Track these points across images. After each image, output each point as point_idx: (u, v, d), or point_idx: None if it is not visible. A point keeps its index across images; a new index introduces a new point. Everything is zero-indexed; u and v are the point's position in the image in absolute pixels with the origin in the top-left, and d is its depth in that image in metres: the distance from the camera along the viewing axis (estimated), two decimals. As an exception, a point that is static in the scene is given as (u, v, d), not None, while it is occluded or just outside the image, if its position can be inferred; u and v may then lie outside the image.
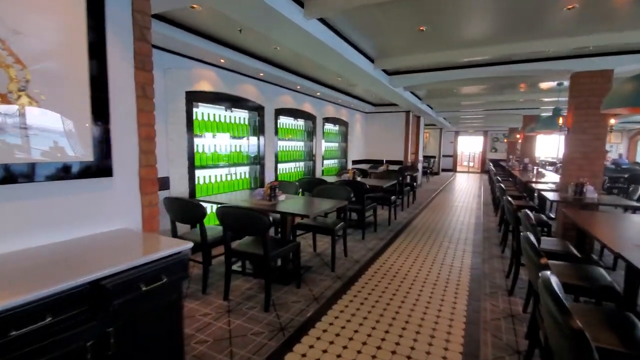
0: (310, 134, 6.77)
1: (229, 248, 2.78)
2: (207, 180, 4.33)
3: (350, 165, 8.67)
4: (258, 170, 5.21)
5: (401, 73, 5.30)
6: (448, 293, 3.10)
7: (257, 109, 5.07)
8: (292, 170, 6.41)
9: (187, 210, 2.93)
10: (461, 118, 13.27)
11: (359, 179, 5.57)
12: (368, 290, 3.14)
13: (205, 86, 4.07)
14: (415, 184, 8.12)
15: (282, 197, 3.47)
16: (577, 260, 2.74)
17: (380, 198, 5.84)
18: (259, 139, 5.15)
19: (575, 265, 2.50)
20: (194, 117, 4.07)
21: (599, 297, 2.19)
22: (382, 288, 3.19)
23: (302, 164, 6.76)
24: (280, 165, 5.94)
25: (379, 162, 9.46)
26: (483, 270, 3.68)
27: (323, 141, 7.16)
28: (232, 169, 4.83)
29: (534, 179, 6.55)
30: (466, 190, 10.73)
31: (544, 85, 6.60)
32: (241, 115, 4.96)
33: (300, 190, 5.27)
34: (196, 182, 4.09)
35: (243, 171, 5.09)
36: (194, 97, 3.90)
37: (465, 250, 4.41)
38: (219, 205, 2.70)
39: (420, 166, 11.02)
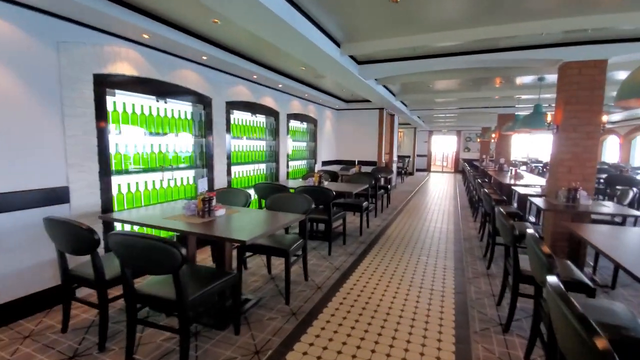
0: (273, 131, 6.00)
1: (130, 289, 1.97)
2: (132, 189, 3.46)
3: (320, 167, 7.96)
4: (206, 174, 4.37)
5: (372, 62, 4.64)
6: (430, 332, 2.44)
7: (202, 101, 4.23)
8: (252, 174, 5.61)
9: (73, 236, 2.08)
10: (435, 117, 12.92)
11: (326, 183, 4.87)
12: (330, 331, 2.43)
13: (124, 69, 3.20)
14: (389, 186, 7.54)
15: (220, 211, 2.69)
16: (590, 291, 2.15)
17: (351, 204, 5.17)
18: (205, 137, 4.32)
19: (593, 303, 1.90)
20: (111, 109, 3.20)
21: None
22: (348, 326, 2.49)
23: (263, 165, 5.97)
24: (235, 168, 5.13)
25: (351, 163, 8.81)
26: (469, 295, 3.07)
27: (289, 140, 6.40)
28: (170, 174, 3.97)
29: (513, 181, 6.12)
30: (442, 191, 10.32)
31: (522, 80, 6.18)
32: (181, 108, 4.11)
33: (257, 197, 4.50)
34: (115, 192, 3.22)
35: (187, 176, 4.25)
36: (107, 82, 3.02)
37: (446, 266, 3.80)
38: (111, 233, 1.88)
39: (394, 167, 10.50)
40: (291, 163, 6.79)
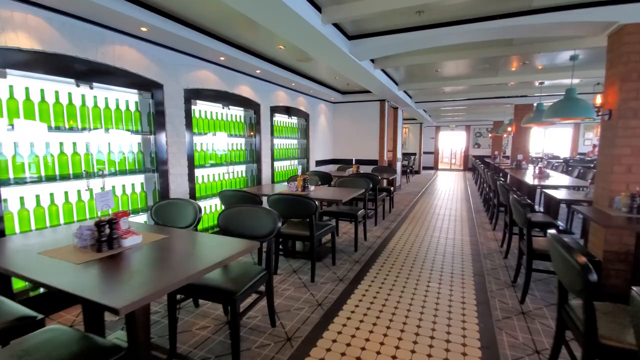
0: (253, 127, 5.09)
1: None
2: (28, 204, 2.57)
3: (313, 167, 7.04)
4: (157, 179, 3.48)
5: (365, 36, 3.70)
6: None
7: (147, 88, 3.34)
8: (228, 177, 4.72)
9: None
10: (442, 110, 11.91)
11: (312, 188, 3.95)
12: None
13: (20, 41, 2.32)
14: (392, 188, 6.59)
15: (132, 239, 1.78)
16: None
17: (344, 213, 4.25)
18: (154, 133, 3.43)
19: None
20: (-3, 94, 2.32)
21: None
22: None
23: (242, 167, 5.07)
24: (203, 172, 4.24)
25: (349, 163, 7.88)
26: (501, 352, 2.12)
27: (271, 137, 5.48)
28: (101, 181, 3.09)
29: (537, 181, 5.14)
30: (451, 191, 9.33)
31: (546, 62, 5.19)
32: (114, 95, 3.23)
33: (221, 205, 3.60)
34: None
35: (129, 183, 3.36)
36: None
37: (464, 300, 2.85)
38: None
39: (399, 165, 9.54)
40: (278, 164, 5.88)
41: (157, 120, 3.43)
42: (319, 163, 7.38)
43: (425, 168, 16.97)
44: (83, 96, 2.90)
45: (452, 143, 19.82)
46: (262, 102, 5.17)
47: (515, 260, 3.78)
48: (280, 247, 3.85)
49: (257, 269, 2.28)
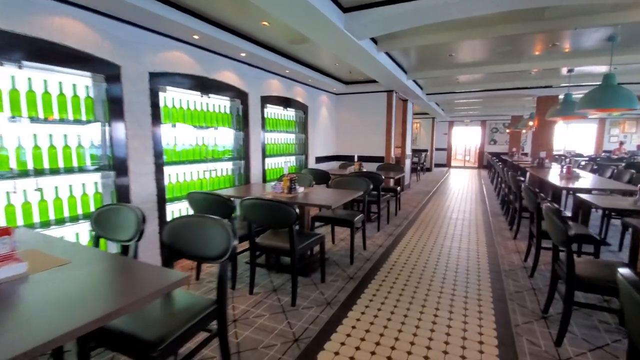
0: (241, 119, 4.51)
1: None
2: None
3: (312, 164, 6.44)
4: (114, 179, 2.94)
5: (363, 7, 3.06)
6: None
7: (95, 69, 2.79)
8: (210, 175, 4.17)
9: None
10: (456, 103, 11.12)
11: (300, 190, 3.36)
12: None
13: None
14: (399, 188, 5.94)
15: None
16: None
17: (340, 219, 3.65)
18: (109, 124, 2.89)
19: None
20: None
21: None
22: None
23: (228, 164, 4.51)
24: (174, 169, 3.69)
25: (353, 160, 7.25)
26: None
27: (262, 131, 4.89)
28: (50, 179, 2.56)
29: (565, 183, 4.44)
30: (465, 191, 8.61)
31: (578, 44, 4.46)
32: (70, 80, 2.70)
33: (192, 210, 3.04)
34: None
35: (89, 182, 2.83)
36: None
37: (483, 339, 2.22)
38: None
39: (408, 163, 8.85)
40: (271, 160, 5.30)
41: (112, 109, 2.89)
42: (320, 160, 6.77)
43: (437, 165, 16.17)
44: (13, 77, 2.37)
45: (466, 139, 18.92)
46: (251, 91, 4.59)
47: (543, 281, 3.12)
48: (262, 258, 3.28)
49: (202, 303, 1.71)
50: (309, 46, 4.28)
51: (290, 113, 5.89)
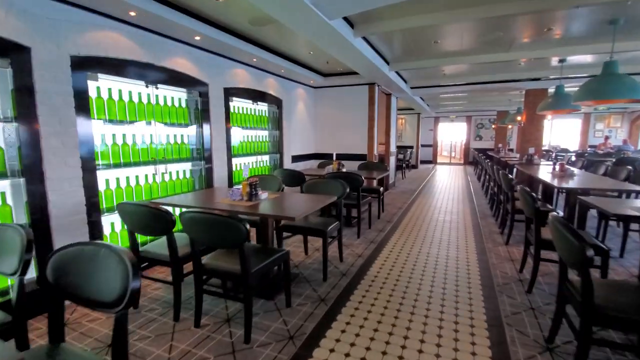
0: (200, 114, 3.95)
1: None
2: None
3: (288, 164, 5.93)
4: (24, 187, 2.37)
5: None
6: None
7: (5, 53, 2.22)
8: (162, 179, 3.61)
9: None
10: (442, 98, 10.77)
11: (264, 196, 2.84)
12: None
13: None
14: (382, 188, 5.49)
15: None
16: None
17: (311, 228, 3.16)
18: (17, 121, 2.31)
19: None
20: None
21: None
22: None
23: (187, 165, 3.95)
24: (114, 173, 3.13)
25: (331, 157, 6.77)
26: None
27: (227, 127, 4.34)
28: None
29: (558, 182, 4.07)
30: (452, 189, 8.24)
31: (572, 30, 4.08)
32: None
33: (127, 230, 2.50)
34: None
35: (-17, 192, 2.25)
36: None
37: (478, 385, 1.77)
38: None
39: (392, 160, 8.43)
40: (239, 160, 4.77)
41: (20, 101, 2.31)
42: (297, 159, 6.26)
43: (423, 162, 15.87)
44: None
45: (452, 135, 18.70)
46: (212, 82, 4.03)
47: (543, 297, 2.71)
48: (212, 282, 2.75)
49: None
50: (277, 30, 3.76)
51: (262, 108, 5.36)
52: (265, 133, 5.50)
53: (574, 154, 11.24)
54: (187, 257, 2.37)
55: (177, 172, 3.79)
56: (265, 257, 2.33)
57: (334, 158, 5.34)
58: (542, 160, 7.34)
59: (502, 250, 3.85)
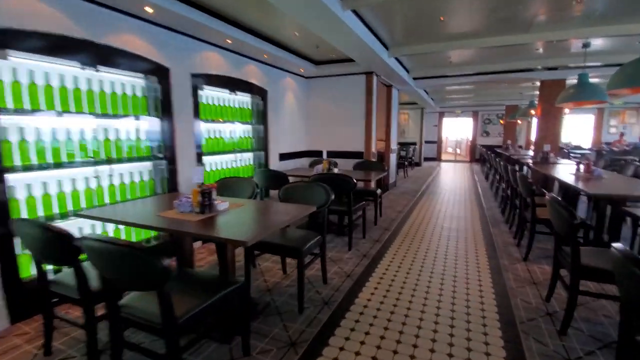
0: (159, 104, 3.32)
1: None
2: None
3: (275, 163, 5.29)
4: None
5: None
6: None
7: None
8: (111, 183, 3.00)
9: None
10: (447, 91, 10.07)
11: (223, 207, 2.21)
12: None
13: None
14: (379, 191, 4.84)
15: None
16: None
17: (283, 247, 2.52)
18: None
19: None
20: None
21: None
22: None
23: (146, 165, 3.33)
24: (45, 175, 2.51)
25: (328, 155, 6.13)
26: None
27: (195, 120, 3.70)
28: None
29: (585, 185, 3.41)
30: (458, 190, 7.56)
31: (603, 5, 3.39)
32: None
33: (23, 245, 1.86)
34: None
35: None
36: None
37: None
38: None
39: (393, 158, 7.77)
40: (214, 159, 4.15)
41: None
42: (286, 157, 5.62)
43: (427, 159, 15.17)
44: None
45: (457, 131, 17.97)
46: (175, 66, 3.39)
47: (582, 342, 2.06)
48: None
49: None
50: (254, 4, 3.11)
51: (244, 99, 4.71)
52: (248, 128, 4.86)
53: (590, 151, 10.50)
54: (98, 295, 1.75)
55: (132, 174, 3.16)
56: (210, 293, 1.70)
57: (324, 156, 4.68)
58: (558, 158, 6.65)
59: (520, 269, 3.20)
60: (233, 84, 4.28)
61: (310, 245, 2.53)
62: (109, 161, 2.92)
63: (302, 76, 6.05)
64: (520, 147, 13.08)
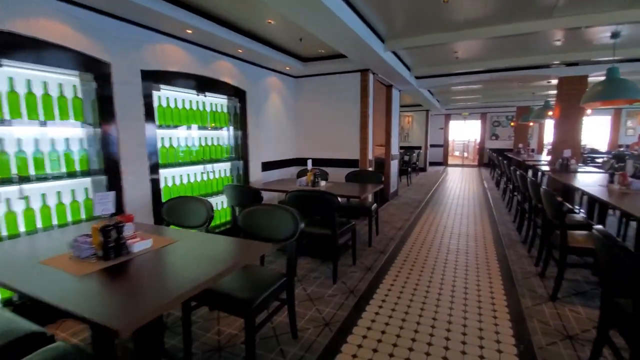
0: (97, 108, 2.70)
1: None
2: None
3: (256, 173, 4.65)
4: None
5: None
6: None
7: None
8: (28, 206, 2.39)
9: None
10: (453, 92, 9.38)
11: (143, 247, 1.57)
12: None
13: None
14: (374, 207, 4.18)
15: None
16: None
17: (227, 300, 1.86)
18: None
19: None
20: None
21: None
22: None
23: (84, 182, 2.72)
24: None
25: (318, 164, 5.48)
26: None
27: (146, 124, 3.08)
28: None
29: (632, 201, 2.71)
30: (466, 200, 6.84)
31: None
32: None
33: None
34: None
35: None
36: None
37: None
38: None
39: (394, 165, 7.09)
40: (178, 171, 3.53)
41: None
42: (270, 166, 4.99)
43: (432, 164, 14.45)
44: None
45: (464, 134, 17.21)
46: (116, 61, 2.78)
47: None
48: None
49: None
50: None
51: (218, 101, 4.09)
52: (223, 134, 4.24)
53: (609, 155, 9.68)
54: None
55: (59, 193, 2.55)
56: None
57: (309, 166, 4.02)
58: (580, 165, 5.91)
59: (548, 313, 2.50)
60: (201, 84, 3.67)
61: (268, 296, 1.88)
62: (22, 180, 2.31)
63: (290, 75, 5.42)
64: (532, 150, 12.30)
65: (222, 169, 4.25)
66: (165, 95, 3.37)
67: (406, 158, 9.78)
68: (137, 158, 2.96)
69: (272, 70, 4.93)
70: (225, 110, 4.23)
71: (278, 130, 5.22)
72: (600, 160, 8.90)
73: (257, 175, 4.61)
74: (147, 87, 3.03)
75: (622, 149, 11.03)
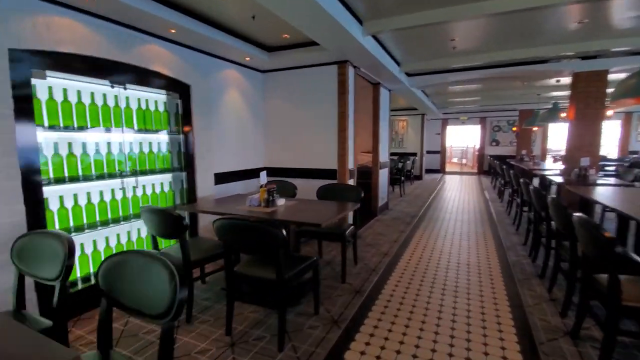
0: None
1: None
2: None
3: (208, 188, 3.76)
4: None
5: None
6: None
7: None
8: None
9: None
10: (450, 93, 8.58)
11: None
12: None
13: None
14: (350, 231, 3.30)
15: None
16: None
17: None
18: None
19: None
20: None
21: None
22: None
23: None
24: None
25: (289, 174, 4.61)
26: None
27: (26, 128, 2.21)
28: None
29: None
30: (465, 215, 5.95)
31: None
32: None
33: None
34: None
35: None
36: None
37: None
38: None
39: (384, 174, 6.22)
40: (77, 188, 2.64)
41: None
42: (226, 177, 4.11)
43: (428, 171, 13.60)
44: None
45: (462, 140, 16.43)
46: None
47: None
48: None
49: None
50: None
51: (151, 96, 3.23)
52: (158, 137, 3.37)
53: (622, 162, 8.83)
54: None
55: None
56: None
57: (262, 179, 3.11)
58: (600, 175, 5.06)
59: (598, 414, 1.60)
60: (119, 73, 2.80)
61: None
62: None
63: (255, 69, 4.57)
64: (534, 157, 11.46)
65: (159, 182, 3.36)
66: (62, 85, 2.50)
67: (399, 165, 8.92)
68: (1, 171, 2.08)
69: (228, 61, 4.08)
70: (162, 108, 3.36)
71: (240, 135, 4.35)
72: (610, 168, 8.06)
73: (207, 190, 3.72)
74: (21, 73, 2.17)
75: (636, 156, 10.21)
